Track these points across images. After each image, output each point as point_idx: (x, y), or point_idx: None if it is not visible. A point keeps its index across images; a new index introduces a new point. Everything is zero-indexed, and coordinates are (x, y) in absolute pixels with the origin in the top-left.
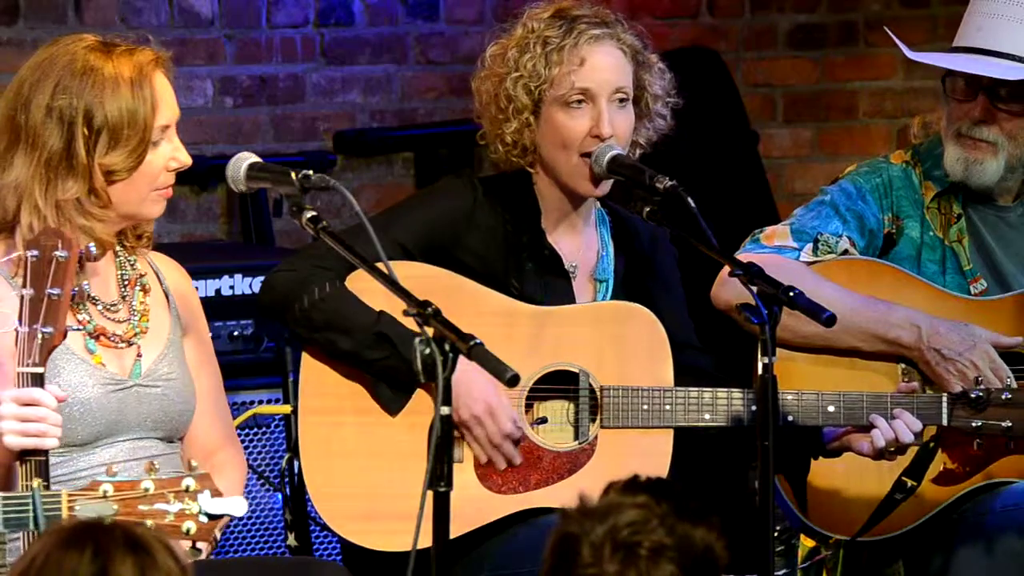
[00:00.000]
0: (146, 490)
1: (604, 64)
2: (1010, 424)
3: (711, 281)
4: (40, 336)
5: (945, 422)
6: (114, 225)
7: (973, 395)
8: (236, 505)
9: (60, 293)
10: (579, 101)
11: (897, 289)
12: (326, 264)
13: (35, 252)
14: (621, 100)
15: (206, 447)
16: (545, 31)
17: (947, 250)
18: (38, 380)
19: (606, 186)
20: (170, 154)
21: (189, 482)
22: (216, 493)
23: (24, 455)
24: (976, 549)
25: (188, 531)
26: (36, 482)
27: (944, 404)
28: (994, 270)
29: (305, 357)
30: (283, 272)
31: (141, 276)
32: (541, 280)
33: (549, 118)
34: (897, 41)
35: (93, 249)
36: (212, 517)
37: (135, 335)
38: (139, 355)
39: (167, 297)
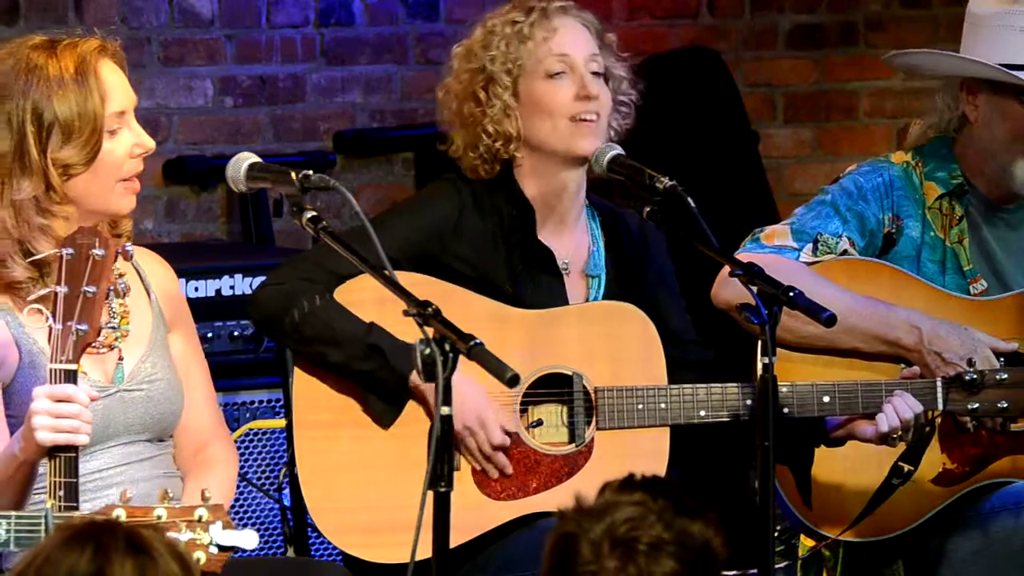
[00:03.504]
0: (159, 517)
1: (575, 33)
2: (1006, 404)
3: (709, 280)
4: (75, 333)
5: (941, 406)
6: (82, 222)
7: (967, 377)
8: (247, 538)
9: (96, 291)
10: (559, 72)
11: (896, 289)
12: (313, 276)
13: (70, 250)
14: (596, 71)
15: (197, 439)
16: (509, 17)
17: (947, 250)
18: (71, 376)
19: (600, 140)
20: (132, 140)
21: (202, 512)
22: (227, 525)
23: (53, 452)
24: (976, 549)
25: (198, 561)
26: (50, 503)
27: (939, 388)
28: (995, 271)
29: (297, 371)
30: (270, 286)
31: (120, 276)
32: (534, 279)
33: (531, 93)
34: (963, 57)
35: (130, 249)
36: (223, 548)
37: (115, 339)
38: (120, 359)
39: (149, 295)
